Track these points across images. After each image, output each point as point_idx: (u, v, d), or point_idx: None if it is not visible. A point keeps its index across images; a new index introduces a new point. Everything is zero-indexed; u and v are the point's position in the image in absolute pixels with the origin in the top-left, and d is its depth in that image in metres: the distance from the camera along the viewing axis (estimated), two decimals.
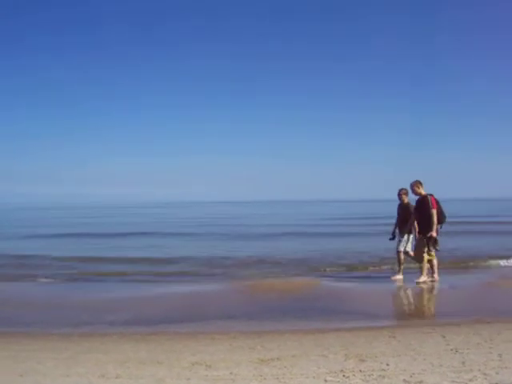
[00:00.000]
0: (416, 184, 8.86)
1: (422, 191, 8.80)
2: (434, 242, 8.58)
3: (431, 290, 8.21)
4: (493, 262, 10.97)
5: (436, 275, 8.78)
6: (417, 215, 8.83)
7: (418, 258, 8.76)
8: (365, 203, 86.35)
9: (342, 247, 14.51)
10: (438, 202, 8.73)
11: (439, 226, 8.75)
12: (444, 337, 4.91)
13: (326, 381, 3.63)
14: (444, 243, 15.13)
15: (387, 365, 3.99)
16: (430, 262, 8.77)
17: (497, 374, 3.67)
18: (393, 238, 9.27)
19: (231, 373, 3.88)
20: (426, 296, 7.87)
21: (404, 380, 3.59)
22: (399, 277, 8.97)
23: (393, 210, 9.59)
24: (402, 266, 9.08)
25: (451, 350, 4.40)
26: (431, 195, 8.73)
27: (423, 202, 8.69)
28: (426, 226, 8.60)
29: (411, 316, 6.25)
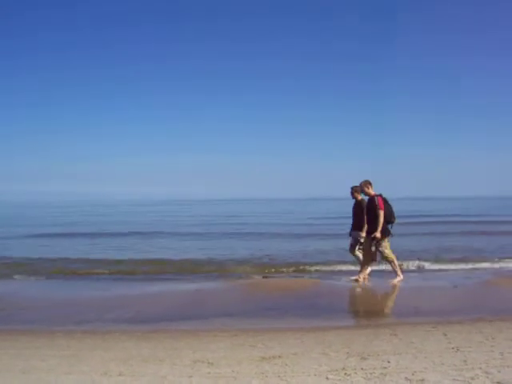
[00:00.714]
0: (365, 184, 8.74)
1: (371, 191, 8.70)
2: (376, 242, 8.52)
3: (430, 288, 8.21)
4: (491, 261, 10.95)
5: (362, 275, 8.72)
6: (366, 216, 8.74)
7: (372, 258, 8.69)
8: None
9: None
10: (386, 202, 8.64)
11: (390, 226, 8.69)
12: (445, 335, 4.91)
13: (327, 379, 3.63)
14: (442, 242, 15.21)
15: (388, 363, 3.99)
16: (362, 260, 8.78)
17: (499, 372, 3.67)
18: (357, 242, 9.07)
19: (233, 370, 3.89)
20: (425, 294, 7.86)
21: (405, 378, 3.59)
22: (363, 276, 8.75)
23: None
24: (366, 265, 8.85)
25: (453, 348, 4.41)
26: (379, 195, 8.63)
27: (371, 203, 8.63)
28: (373, 227, 8.53)
29: (412, 314, 6.25)
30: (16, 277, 9.35)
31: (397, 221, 8.79)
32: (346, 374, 3.73)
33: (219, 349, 4.58)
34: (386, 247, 8.57)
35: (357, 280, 8.65)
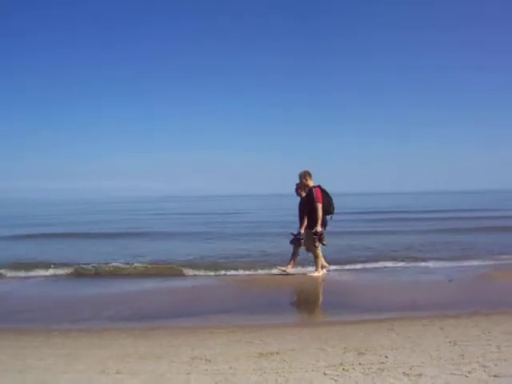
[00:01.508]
0: (304, 175, 8.65)
1: (310, 183, 8.61)
2: (319, 236, 8.47)
3: (426, 282, 8.23)
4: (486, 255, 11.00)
5: (323, 269, 8.75)
6: (306, 208, 8.63)
7: (313, 252, 8.68)
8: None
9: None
10: (325, 194, 8.56)
11: (329, 217, 8.64)
12: (442, 329, 4.93)
13: (325, 374, 3.64)
14: (439, 238, 15.27)
15: (386, 357, 4.00)
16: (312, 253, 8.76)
17: (496, 365, 3.69)
18: (296, 236, 8.95)
19: (230, 367, 3.89)
20: (422, 288, 7.88)
21: (403, 373, 3.60)
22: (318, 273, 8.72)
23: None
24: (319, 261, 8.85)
25: (450, 342, 4.42)
26: (317, 187, 8.54)
27: (309, 195, 8.52)
28: (312, 220, 8.47)
29: (409, 308, 6.27)
30: (10, 275, 9.30)
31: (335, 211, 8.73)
32: (343, 369, 3.74)
33: (217, 345, 4.58)
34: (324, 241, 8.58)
35: (318, 274, 8.66)
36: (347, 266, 9.63)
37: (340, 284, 8.12)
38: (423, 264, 10.00)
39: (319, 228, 8.36)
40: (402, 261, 10.22)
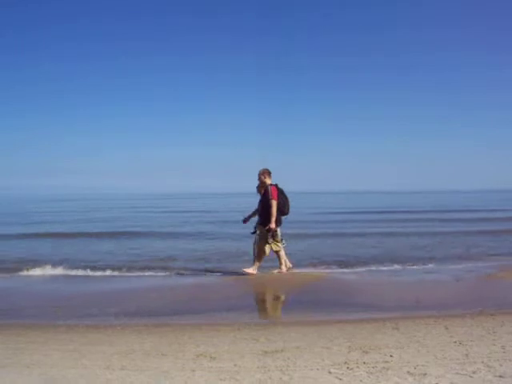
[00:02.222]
0: (263, 173, 8.66)
1: (268, 181, 8.61)
2: (272, 234, 8.44)
3: (429, 281, 8.22)
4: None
5: (283, 267, 8.75)
6: (261, 206, 8.66)
7: (258, 249, 8.63)
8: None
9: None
10: (282, 193, 8.56)
11: (284, 218, 8.65)
12: (447, 329, 4.92)
13: (330, 373, 3.65)
14: (445, 238, 15.22)
15: (391, 356, 4.01)
16: (277, 253, 8.73)
17: (500, 366, 3.69)
18: (254, 232, 8.95)
19: (235, 364, 3.90)
20: (427, 288, 7.87)
21: (408, 372, 3.60)
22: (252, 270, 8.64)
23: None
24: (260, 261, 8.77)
25: (455, 342, 4.42)
26: (273, 185, 8.54)
27: (265, 192, 8.54)
28: (266, 218, 8.48)
29: (414, 308, 6.26)
30: (19, 272, 9.36)
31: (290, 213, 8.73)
32: (348, 367, 3.75)
33: (222, 343, 4.60)
34: (279, 238, 8.56)
35: (280, 272, 8.69)
36: (357, 269, 9.63)
37: (345, 283, 8.11)
38: (428, 264, 9.98)
39: (273, 225, 8.37)
40: (407, 261, 10.20)
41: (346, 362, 3.88)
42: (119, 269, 9.50)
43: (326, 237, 15.54)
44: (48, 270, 9.42)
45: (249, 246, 9.37)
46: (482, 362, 3.78)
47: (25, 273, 9.27)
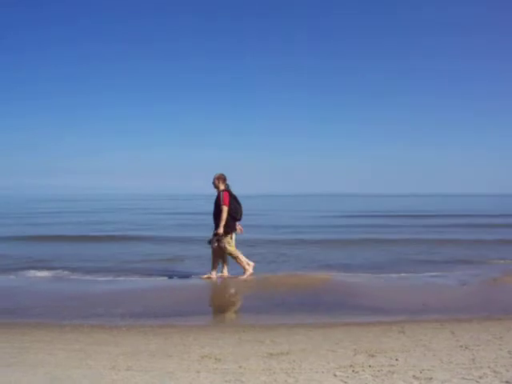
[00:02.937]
0: (218, 178, 8.61)
1: (221, 186, 8.57)
2: (218, 239, 8.36)
3: (434, 285, 8.17)
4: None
5: (225, 271, 8.64)
6: (214, 211, 8.61)
7: (229, 254, 8.55)
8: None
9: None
10: (234, 198, 8.54)
11: (238, 223, 8.60)
12: (453, 333, 4.90)
13: (335, 376, 3.63)
14: (452, 241, 15.13)
15: (396, 360, 3.99)
16: (224, 257, 8.63)
17: (507, 371, 3.66)
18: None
19: (240, 366, 3.90)
20: (433, 292, 7.83)
21: (413, 376, 3.59)
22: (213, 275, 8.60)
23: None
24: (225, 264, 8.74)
25: (461, 346, 4.40)
26: (226, 191, 8.50)
27: (217, 198, 8.53)
28: (217, 222, 8.43)
29: (420, 311, 6.23)
30: (26, 272, 9.40)
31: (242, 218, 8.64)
32: (353, 371, 3.73)
33: (227, 344, 4.59)
34: (230, 243, 8.47)
35: (209, 277, 8.57)
36: (362, 273, 9.59)
37: (350, 285, 8.09)
38: (434, 267, 9.94)
39: (221, 230, 8.34)
40: (413, 265, 10.17)
41: (351, 365, 3.86)
42: (122, 271, 9.54)
43: (329, 242, 15.48)
44: (53, 271, 9.45)
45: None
46: (489, 367, 3.76)
47: (30, 273, 9.30)
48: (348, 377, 3.60)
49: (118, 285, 8.25)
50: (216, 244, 8.42)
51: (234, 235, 8.70)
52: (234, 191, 8.66)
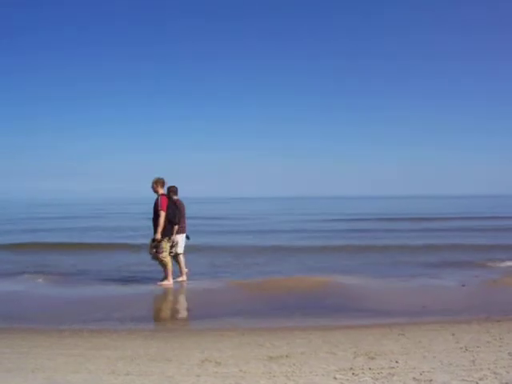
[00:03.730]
0: (156, 182, 8.53)
1: (160, 190, 8.50)
2: (155, 245, 8.30)
3: (434, 287, 8.17)
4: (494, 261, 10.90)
5: (170, 278, 8.45)
6: (153, 215, 8.50)
7: (158, 259, 8.47)
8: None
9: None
10: (171, 204, 8.45)
11: (178, 228, 8.51)
12: (453, 335, 4.90)
13: (335, 378, 3.63)
14: (450, 243, 15.14)
15: (396, 362, 3.99)
16: (167, 262, 8.44)
17: (507, 373, 3.66)
18: (188, 238, 8.89)
19: (240, 370, 3.89)
20: (433, 294, 7.83)
21: (413, 378, 3.58)
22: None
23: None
24: (184, 270, 8.73)
25: (461, 348, 4.39)
26: (164, 195, 8.44)
27: (155, 202, 8.43)
28: (154, 228, 8.37)
29: (420, 313, 6.23)
30: (24, 278, 9.38)
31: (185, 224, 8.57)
32: (353, 373, 3.73)
33: (227, 348, 4.58)
34: (165, 249, 8.37)
35: (164, 284, 8.42)
36: (362, 275, 9.57)
37: (350, 288, 8.09)
38: (434, 269, 9.95)
39: (158, 236, 8.27)
40: (412, 267, 10.17)
41: (351, 368, 3.86)
42: (122, 277, 9.53)
43: (329, 246, 15.44)
44: (51, 276, 9.43)
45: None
46: (489, 369, 3.75)
47: (30, 278, 9.28)
48: (348, 380, 3.60)
49: (117, 290, 8.23)
50: (154, 250, 8.36)
51: (180, 239, 8.61)
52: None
